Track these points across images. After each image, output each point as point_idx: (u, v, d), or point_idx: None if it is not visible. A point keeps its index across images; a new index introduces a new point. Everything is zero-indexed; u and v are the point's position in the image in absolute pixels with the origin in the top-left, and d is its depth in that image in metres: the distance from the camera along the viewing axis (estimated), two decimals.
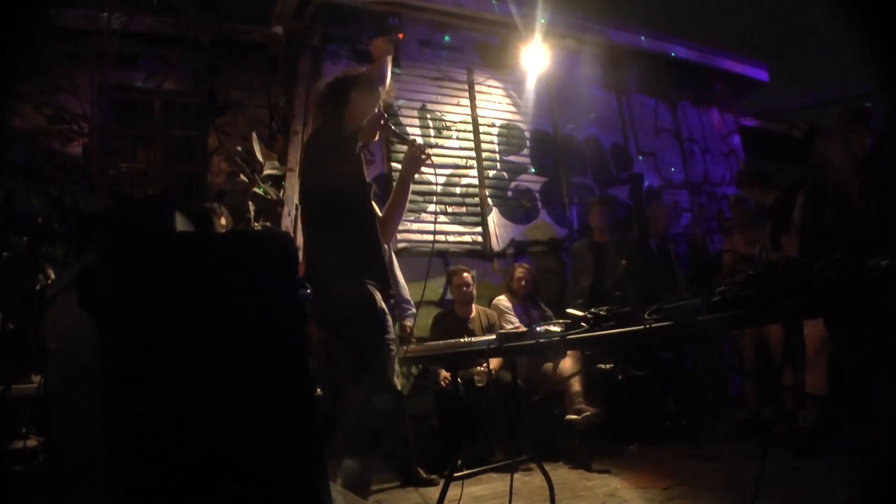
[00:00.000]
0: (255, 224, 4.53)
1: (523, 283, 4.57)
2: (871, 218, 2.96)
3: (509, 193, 5.44)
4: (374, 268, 2.30)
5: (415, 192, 4.60)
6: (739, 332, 4.32)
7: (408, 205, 2.68)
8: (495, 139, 5.48)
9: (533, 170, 5.60)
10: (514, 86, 5.66)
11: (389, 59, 2.51)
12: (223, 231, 3.00)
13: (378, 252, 2.36)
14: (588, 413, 3.63)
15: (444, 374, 3.91)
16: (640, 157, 6.25)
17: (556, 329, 2.08)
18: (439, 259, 4.82)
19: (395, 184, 2.81)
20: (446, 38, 5.43)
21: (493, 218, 5.27)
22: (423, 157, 2.56)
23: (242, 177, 4.82)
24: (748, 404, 4.39)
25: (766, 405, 4.29)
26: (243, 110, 5.40)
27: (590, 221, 5.02)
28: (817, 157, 3.35)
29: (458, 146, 5.24)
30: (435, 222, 4.88)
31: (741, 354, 4.52)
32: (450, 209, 5.05)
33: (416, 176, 2.76)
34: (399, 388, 2.25)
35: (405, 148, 2.69)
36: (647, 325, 1.64)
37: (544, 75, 5.61)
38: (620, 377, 4.15)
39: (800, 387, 3.66)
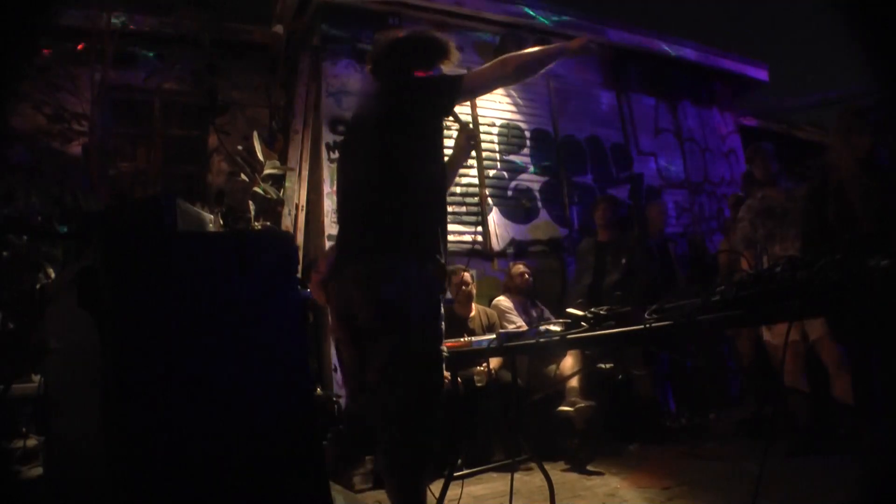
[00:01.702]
0: (255, 224, 4.53)
1: (525, 276, 4.56)
2: (871, 218, 2.96)
3: (509, 193, 5.43)
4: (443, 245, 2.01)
5: None
6: (737, 331, 4.32)
7: None
8: (495, 139, 5.48)
9: (533, 169, 5.60)
10: (514, 86, 5.66)
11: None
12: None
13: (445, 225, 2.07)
14: (582, 405, 3.61)
15: (444, 373, 3.90)
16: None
17: (557, 329, 2.08)
18: None
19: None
20: None
21: (493, 217, 5.26)
22: (473, 142, 2.38)
23: (242, 177, 4.82)
24: (748, 404, 4.39)
25: (766, 405, 4.28)
26: (243, 110, 5.40)
27: (595, 219, 5.01)
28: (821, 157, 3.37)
29: None
30: None
31: (740, 354, 4.52)
32: (450, 208, 5.04)
33: None
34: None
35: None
36: (647, 325, 1.64)
37: (544, 75, 5.60)
38: (620, 377, 4.14)
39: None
